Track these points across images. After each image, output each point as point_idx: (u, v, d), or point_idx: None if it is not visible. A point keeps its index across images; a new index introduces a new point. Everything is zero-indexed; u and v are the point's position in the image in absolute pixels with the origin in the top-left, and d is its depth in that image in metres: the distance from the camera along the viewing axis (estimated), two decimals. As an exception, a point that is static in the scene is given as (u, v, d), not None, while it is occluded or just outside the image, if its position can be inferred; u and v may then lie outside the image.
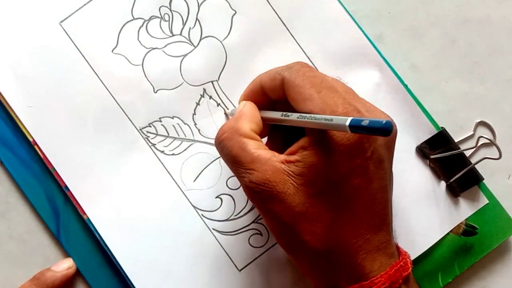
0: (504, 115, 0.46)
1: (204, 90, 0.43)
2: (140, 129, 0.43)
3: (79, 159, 0.42)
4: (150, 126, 0.43)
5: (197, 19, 0.43)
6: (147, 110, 0.43)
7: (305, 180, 0.34)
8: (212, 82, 0.43)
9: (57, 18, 0.42)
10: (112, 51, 0.43)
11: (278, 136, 0.40)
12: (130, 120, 0.43)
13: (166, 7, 0.43)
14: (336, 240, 0.34)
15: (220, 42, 0.43)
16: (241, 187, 0.42)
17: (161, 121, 0.43)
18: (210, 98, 0.43)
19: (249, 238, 0.43)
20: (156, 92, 0.43)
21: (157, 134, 0.43)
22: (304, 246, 0.35)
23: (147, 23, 0.43)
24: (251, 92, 0.39)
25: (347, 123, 0.30)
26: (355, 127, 0.30)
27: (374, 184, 0.34)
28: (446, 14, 0.46)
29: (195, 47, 0.43)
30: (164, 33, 0.43)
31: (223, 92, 0.43)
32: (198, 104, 0.43)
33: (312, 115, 0.33)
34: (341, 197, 0.34)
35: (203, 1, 0.43)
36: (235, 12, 0.43)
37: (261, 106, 0.39)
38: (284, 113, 0.36)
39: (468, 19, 0.46)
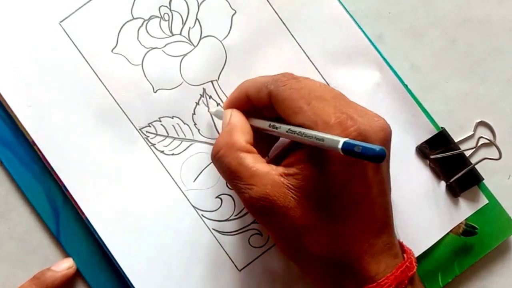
0: (504, 115, 0.46)
1: (204, 90, 0.43)
2: (140, 129, 0.43)
3: (79, 159, 0.42)
4: (150, 126, 0.43)
5: (197, 18, 0.43)
6: (146, 110, 0.43)
7: (305, 193, 0.34)
8: (212, 82, 0.43)
9: (57, 18, 0.42)
10: (112, 51, 0.43)
11: (262, 139, 0.39)
12: (130, 120, 0.43)
13: (166, 6, 0.43)
14: (341, 248, 0.35)
15: (220, 41, 0.43)
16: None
17: (160, 121, 0.43)
18: (210, 98, 0.43)
19: (249, 238, 0.43)
20: (155, 92, 0.43)
21: (156, 134, 0.43)
22: (309, 257, 0.35)
23: (147, 23, 0.43)
24: (236, 99, 0.39)
25: (340, 146, 0.30)
26: (347, 151, 0.29)
27: (374, 189, 0.34)
28: (446, 14, 0.46)
29: (195, 46, 0.43)
30: (164, 32, 0.43)
31: (223, 92, 0.43)
32: (198, 104, 0.43)
33: (303, 131, 0.33)
34: (342, 206, 0.34)
35: (203, 1, 0.43)
36: (235, 12, 0.43)
37: (247, 113, 0.39)
38: (272, 124, 0.36)
39: (468, 19, 0.46)
